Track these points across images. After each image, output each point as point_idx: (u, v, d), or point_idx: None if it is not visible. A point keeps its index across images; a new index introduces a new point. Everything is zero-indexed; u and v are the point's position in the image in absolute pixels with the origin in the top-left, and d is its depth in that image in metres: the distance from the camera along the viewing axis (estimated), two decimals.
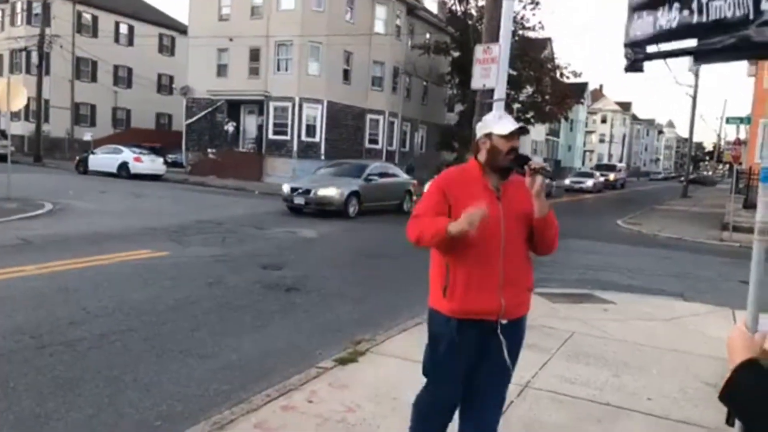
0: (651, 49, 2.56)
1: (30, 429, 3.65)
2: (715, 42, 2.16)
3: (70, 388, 4.21)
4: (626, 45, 2.64)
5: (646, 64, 2.62)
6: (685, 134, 57.66)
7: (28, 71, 34.23)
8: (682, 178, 46.31)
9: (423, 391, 2.94)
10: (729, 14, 2.05)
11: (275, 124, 28.80)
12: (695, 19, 2.20)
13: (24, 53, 35.06)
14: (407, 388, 4.28)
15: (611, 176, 44.83)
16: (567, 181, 37.95)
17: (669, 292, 8.62)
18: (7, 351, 4.81)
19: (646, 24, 2.49)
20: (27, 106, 25.38)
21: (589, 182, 38.23)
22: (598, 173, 41.89)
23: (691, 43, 2.39)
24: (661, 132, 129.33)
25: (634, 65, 2.63)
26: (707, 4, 2.14)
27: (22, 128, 33.00)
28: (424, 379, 2.91)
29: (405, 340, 5.45)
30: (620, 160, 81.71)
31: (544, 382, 4.56)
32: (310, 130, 28.66)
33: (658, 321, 6.71)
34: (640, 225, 18.51)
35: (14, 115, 28.81)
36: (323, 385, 4.29)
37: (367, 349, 5.13)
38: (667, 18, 2.34)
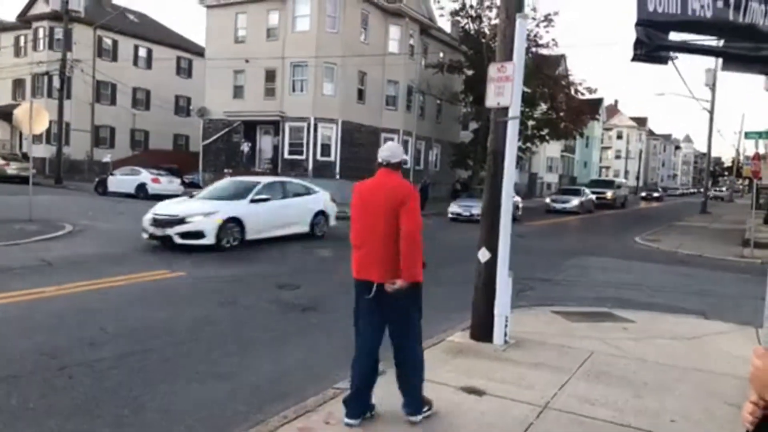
0: (674, 37, 1.98)
1: None
2: (748, 48, 1.81)
3: (90, 409, 4.24)
4: (641, 23, 2.01)
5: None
6: (703, 149, 56.89)
7: (49, 95, 34.93)
8: (710, 193, 42.16)
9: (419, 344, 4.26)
10: (761, 22, 1.76)
11: (291, 144, 29.07)
12: (731, 15, 1.83)
13: (46, 77, 35.83)
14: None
15: (608, 194, 37.97)
16: (547, 200, 32.51)
17: (690, 310, 8.48)
18: (27, 372, 4.86)
19: (671, 0, 1.92)
20: (48, 129, 25.91)
21: (574, 202, 30.99)
22: (587, 191, 34.56)
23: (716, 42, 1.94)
24: (678, 147, 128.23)
25: (651, 54, 2.02)
26: (746, 2, 1.76)
27: (43, 151, 33.63)
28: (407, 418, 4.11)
29: (426, 357, 5.40)
30: (637, 177, 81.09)
31: (563, 402, 4.50)
32: (325, 149, 28.87)
33: (680, 340, 6.60)
34: (658, 242, 18.29)
35: (36, 138, 29.35)
36: (340, 407, 4.26)
37: (384, 369, 5.09)
38: (701, 3, 1.86)
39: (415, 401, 4.08)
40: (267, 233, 13.08)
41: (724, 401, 4.71)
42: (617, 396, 4.69)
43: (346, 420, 3.96)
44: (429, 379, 4.78)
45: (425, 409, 4.14)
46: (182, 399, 4.52)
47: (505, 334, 5.94)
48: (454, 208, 23.50)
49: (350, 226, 4.06)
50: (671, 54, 2.15)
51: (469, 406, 4.36)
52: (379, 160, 4.03)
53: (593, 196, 34.47)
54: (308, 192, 14.96)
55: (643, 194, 65.63)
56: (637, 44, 2.05)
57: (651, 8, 2.01)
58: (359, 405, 4.02)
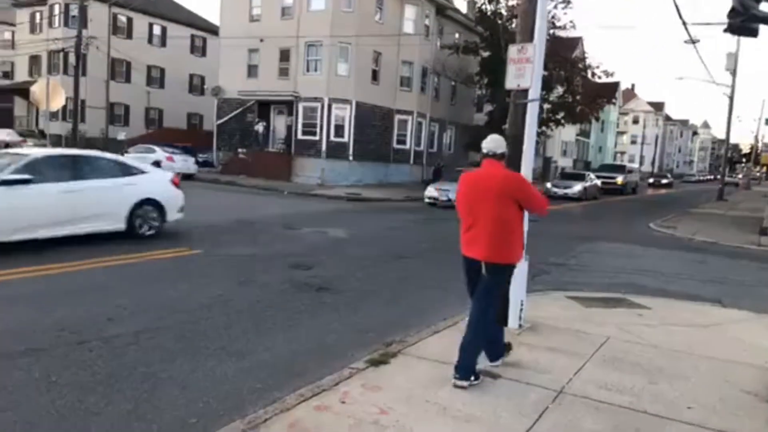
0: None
1: (72, 422, 3.74)
2: None
3: (109, 383, 4.30)
4: None
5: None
6: (721, 135, 55.87)
7: (65, 72, 35.06)
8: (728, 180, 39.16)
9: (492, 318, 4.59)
10: None
11: (304, 125, 29.00)
12: None
13: (62, 54, 35.94)
14: (439, 391, 4.28)
15: (618, 179, 37.34)
16: (548, 185, 30.73)
17: (706, 297, 8.41)
18: (48, 345, 4.94)
19: None
20: (64, 106, 26.02)
21: (576, 188, 29.50)
22: (592, 176, 33.31)
23: None
24: (695, 133, 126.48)
25: (744, 24, 1.90)
26: None
27: (59, 128, 33.80)
28: (454, 381, 4.36)
29: (437, 342, 5.43)
30: (652, 162, 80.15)
31: (579, 388, 4.50)
32: (339, 130, 28.78)
33: (696, 327, 6.55)
34: (674, 228, 18.12)
35: (52, 115, 29.57)
36: (356, 386, 4.30)
37: (398, 350, 5.13)
38: None
39: (465, 366, 4.35)
40: (27, 234, 8.66)
41: (741, 389, 4.68)
42: (633, 382, 4.68)
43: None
44: (444, 361, 4.81)
45: (473, 378, 4.36)
46: (199, 376, 4.57)
47: (520, 318, 5.93)
48: (430, 191, 22.08)
49: (457, 210, 4.53)
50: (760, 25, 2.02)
51: (485, 390, 4.37)
52: (485, 150, 4.45)
53: (598, 182, 33.25)
54: (128, 172, 10.32)
55: (651, 180, 60.46)
56: (732, 13, 2.00)
57: None
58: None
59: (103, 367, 4.57)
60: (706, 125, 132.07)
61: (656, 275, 10.14)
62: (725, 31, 2.09)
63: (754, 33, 2.02)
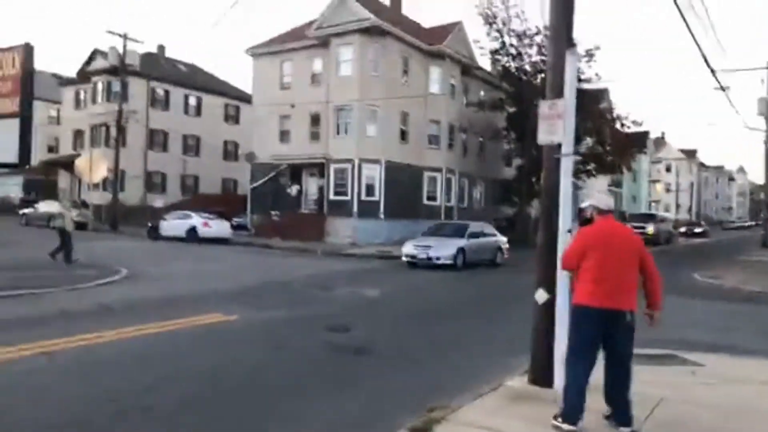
0: None
1: None
2: None
3: None
4: None
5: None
6: (758, 180, 54.41)
7: (106, 144, 36.63)
8: None
9: None
10: None
11: (336, 185, 29.45)
12: None
13: (103, 128, 37.69)
14: None
15: (649, 229, 34.09)
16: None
17: (763, 351, 7.98)
18: (87, 416, 4.91)
19: None
20: (105, 177, 27.07)
21: None
22: None
23: None
24: (731, 179, 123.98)
25: None
26: None
27: (99, 197, 35.05)
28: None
29: (480, 406, 5.22)
30: (689, 210, 78.51)
31: None
32: (370, 189, 29.11)
33: (755, 384, 6.18)
34: (720, 278, 17.48)
35: (93, 186, 30.74)
36: None
37: (441, 417, 4.94)
38: None
39: (628, 412, 4.59)
40: None
41: None
42: None
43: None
44: (491, 428, 4.62)
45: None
46: None
47: None
48: (408, 249, 19.26)
49: (590, 262, 4.57)
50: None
51: None
52: (605, 208, 4.82)
53: None
54: None
55: (683, 229, 52.66)
56: None
57: None
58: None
59: None
60: (741, 170, 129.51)
61: (706, 329, 9.72)
62: None
63: None
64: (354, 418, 5.18)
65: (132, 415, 5.00)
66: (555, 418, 4.57)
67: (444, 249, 18.57)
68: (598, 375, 4.61)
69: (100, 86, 39.18)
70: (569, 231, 5.59)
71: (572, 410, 4.48)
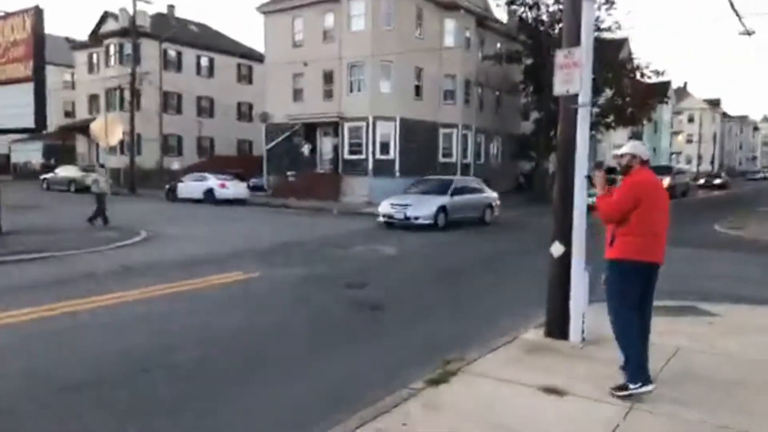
0: None
1: None
2: None
3: (175, 409, 4.37)
4: None
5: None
6: None
7: (121, 108, 36.66)
8: None
9: None
10: None
11: (350, 144, 29.28)
12: None
13: (117, 91, 37.66)
14: (502, 410, 4.15)
15: (665, 181, 30.62)
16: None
17: None
18: (112, 373, 5.07)
19: None
20: (121, 141, 27.16)
21: None
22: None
23: None
24: (756, 128, 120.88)
25: None
26: None
27: (117, 161, 35.29)
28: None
29: (495, 358, 5.29)
30: (711, 161, 77.00)
31: (651, 403, 4.26)
32: (384, 147, 28.91)
33: None
34: (741, 229, 17.26)
35: (111, 150, 30.93)
36: (416, 407, 4.22)
37: (457, 368, 5.01)
38: None
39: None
40: None
41: None
42: (708, 395, 4.42)
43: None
44: (507, 379, 4.68)
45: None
46: (261, 399, 4.60)
47: (583, 331, 5.72)
48: (384, 207, 17.85)
49: (645, 213, 4.37)
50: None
51: (551, 407, 4.21)
52: (645, 158, 4.62)
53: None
54: None
55: (701, 181, 51.85)
56: None
57: None
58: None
59: (166, 396, 4.65)
60: (766, 119, 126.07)
61: (724, 280, 9.65)
62: None
63: None
64: (367, 371, 5.29)
65: (155, 373, 5.15)
66: (620, 389, 4.32)
67: (423, 208, 17.11)
68: (607, 326, 4.60)
69: (112, 49, 38.92)
70: (587, 177, 5.50)
71: (641, 370, 4.34)
